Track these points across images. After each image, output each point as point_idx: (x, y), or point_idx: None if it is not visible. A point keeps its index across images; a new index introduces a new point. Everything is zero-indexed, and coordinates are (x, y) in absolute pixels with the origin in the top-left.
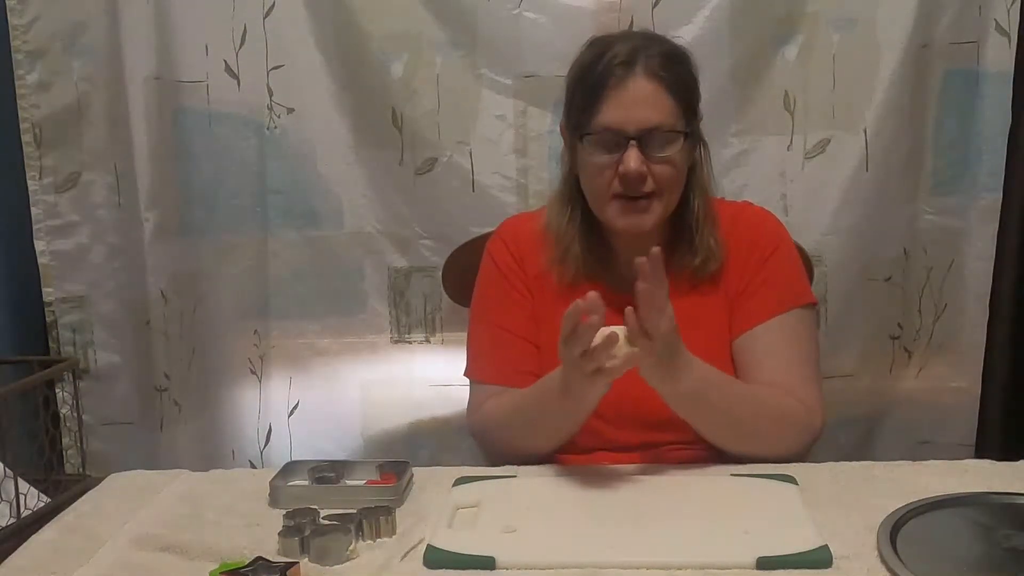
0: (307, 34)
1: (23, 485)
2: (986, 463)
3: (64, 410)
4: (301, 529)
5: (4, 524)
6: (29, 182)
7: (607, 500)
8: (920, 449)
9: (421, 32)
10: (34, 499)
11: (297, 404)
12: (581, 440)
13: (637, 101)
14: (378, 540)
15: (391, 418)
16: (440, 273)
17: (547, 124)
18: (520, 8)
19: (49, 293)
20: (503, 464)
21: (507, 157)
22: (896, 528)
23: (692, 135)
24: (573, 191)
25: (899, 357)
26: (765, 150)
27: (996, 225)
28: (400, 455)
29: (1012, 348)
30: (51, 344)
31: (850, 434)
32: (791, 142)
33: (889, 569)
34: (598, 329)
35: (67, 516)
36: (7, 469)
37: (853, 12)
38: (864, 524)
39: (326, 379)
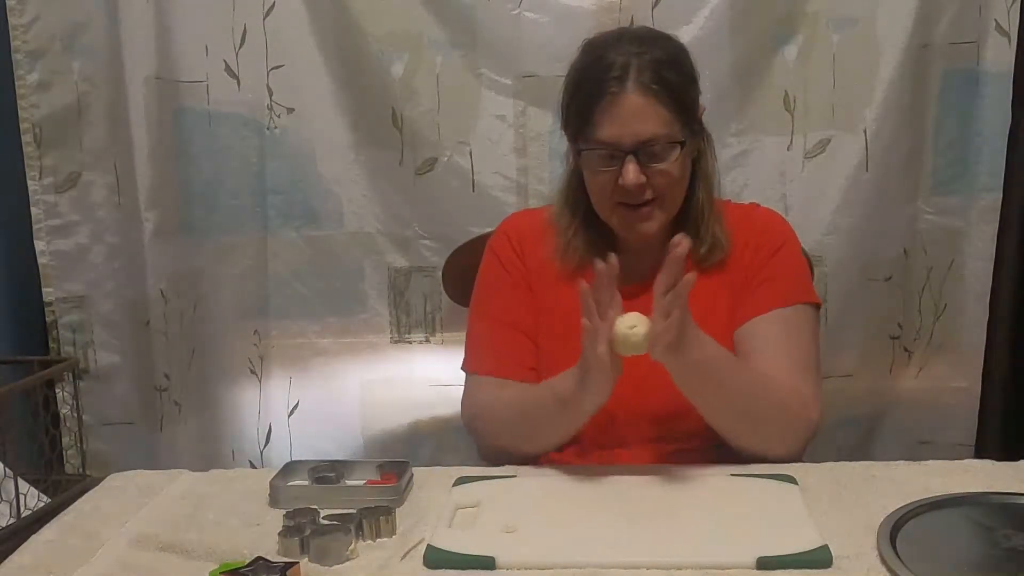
0: (307, 34)
1: (23, 485)
2: (986, 463)
3: (64, 410)
4: (301, 529)
5: (4, 524)
6: (29, 182)
7: (607, 500)
8: (920, 449)
9: (421, 32)
10: (34, 499)
11: (297, 404)
12: (588, 436)
13: (631, 116)
14: (378, 540)
15: (391, 418)
16: (440, 273)
17: (547, 124)
18: (520, 8)
19: (49, 293)
20: (494, 456)
21: (507, 157)
22: (896, 528)
23: (692, 135)
24: (576, 188)
25: (899, 357)
26: (765, 150)
27: (996, 225)
28: (400, 455)
29: (1012, 348)
30: (51, 344)
31: (850, 434)
32: (791, 142)
33: (889, 569)
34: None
35: (67, 516)
36: (7, 469)
37: (853, 12)
38: (864, 524)
39: (326, 379)
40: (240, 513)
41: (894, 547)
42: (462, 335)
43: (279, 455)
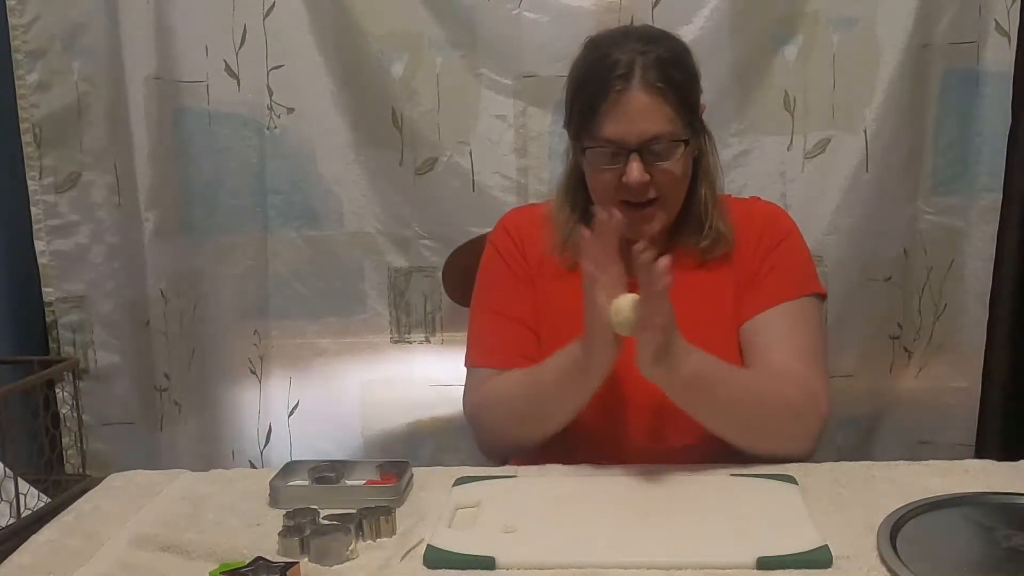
0: (307, 34)
1: (23, 485)
2: (986, 463)
3: (64, 410)
4: (301, 529)
5: (4, 524)
6: (29, 182)
7: (607, 500)
8: (920, 449)
9: (421, 32)
10: (34, 499)
11: (297, 404)
12: (590, 433)
13: (636, 114)
14: (378, 540)
15: (391, 418)
16: (440, 273)
17: (547, 124)
18: (520, 8)
19: (49, 293)
20: (496, 448)
21: (507, 157)
22: (896, 528)
23: (695, 134)
24: (575, 184)
25: (899, 357)
26: (765, 150)
27: (996, 225)
28: (400, 455)
29: (1012, 348)
30: (51, 344)
31: (850, 434)
32: (791, 142)
33: (889, 569)
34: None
35: (67, 516)
36: (7, 469)
37: (853, 12)
38: (864, 524)
39: (326, 379)
40: (240, 513)
41: (894, 547)
42: (462, 335)
43: (279, 455)
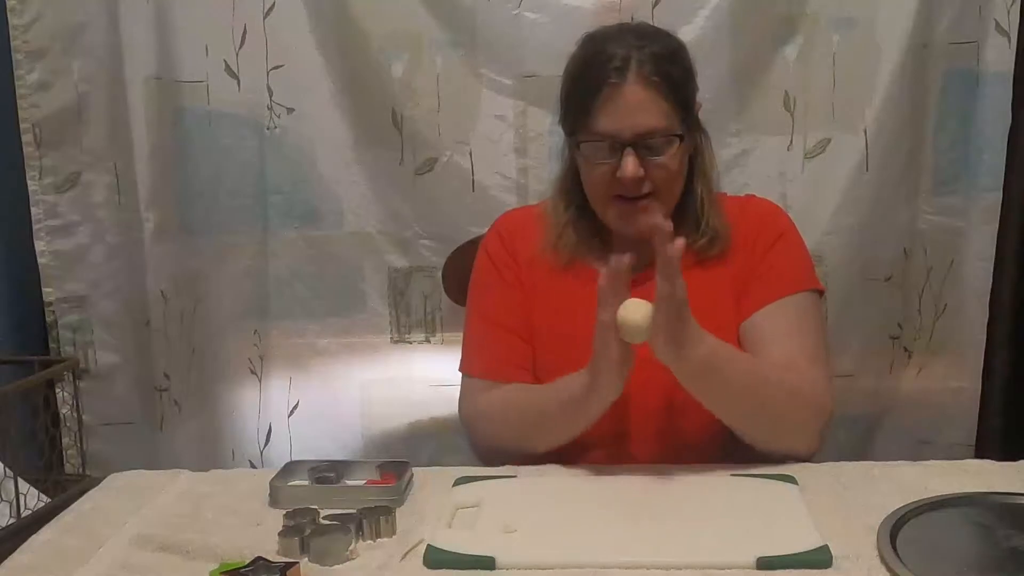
0: (307, 34)
1: (23, 485)
2: (986, 463)
3: (64, 410)
4: (301, 529)
5: (4, 524)
6: (29, 182)
7: (607, 500)
8: (920, 449)
9: (421, 32)
10: (34, 499)
11: (297, 404)
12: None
13: (632, 108)
14: (378, 540)
15: (391, 418)
16: (440, 273)
17: (547, 124)
18: (520, 8)
19: (49, 293)
20: (491, 457)
21: (507, 157)
22: (896, 528)
23: (690, 130)
24: (571, 181)
25: (899, 357)
26: (765, 150)
27: (996, 225)
28: (400, 455)
29: (1012, 348)
30: (51, 344)
31: (850, 434)
32: (791, 142)
33: (889, 569)
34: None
35: (67, 516)
36: (7, 469)
37: (853, 12)
38: (864, 524)
39: (326, 379)
40: (240, 513)
41: (894, 547)
42: (462, 335)
43: (279, 455)
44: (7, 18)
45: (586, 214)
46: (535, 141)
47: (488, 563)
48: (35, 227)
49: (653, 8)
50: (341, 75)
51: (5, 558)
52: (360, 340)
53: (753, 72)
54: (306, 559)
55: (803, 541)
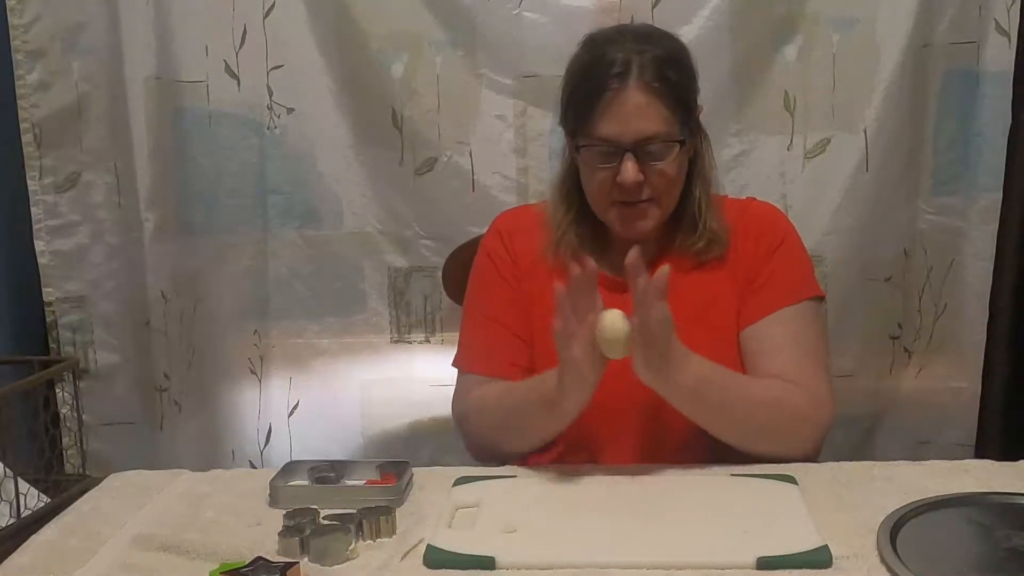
0: (307, 34)
1: (23, 485)
2: (986, 463)
3: (64, 410)
4: (301, 529)
5: (4, 524)
6: (29, 182)
7: (607, 500)
8: (920, 449)
9: (421, 32)
10: (34, 499)
11: (297, 404)
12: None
13: (632, 113)
14: (378, 540)
15: (391, 418)
16: (440, 273)
17: (547, 124)
18: (520, 8)
19: (49, 293)
20: (481, 453)
21: (507, 157)
22: (896, 528)
23: (691, 134)
24: (571, 183)
25: (899, 357)
26: (765, 150)
27: (996, 225)
28: (400, 455)
29: (1012, 348)
30: (51, 344)
31: (850, 434)
32: (791, 142)
33: (889, 569)
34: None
35: (67, 516)
36: (7, 469)
37: (853, 12)
38: (864, 524)
39: (326, 379)
40: (240, 513)
41: (894, 547)
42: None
43: (279, 455)
44: (7, 18)
45: (587, 217)
46: (535, 141)
47: (488, 563)
48: (35, 227)
49: (653, 8)
50: (341, 75)
51: (5, 558)
52: (360, 340)
53: (753, 72)
54: (306, 559)
55: (803, 541)
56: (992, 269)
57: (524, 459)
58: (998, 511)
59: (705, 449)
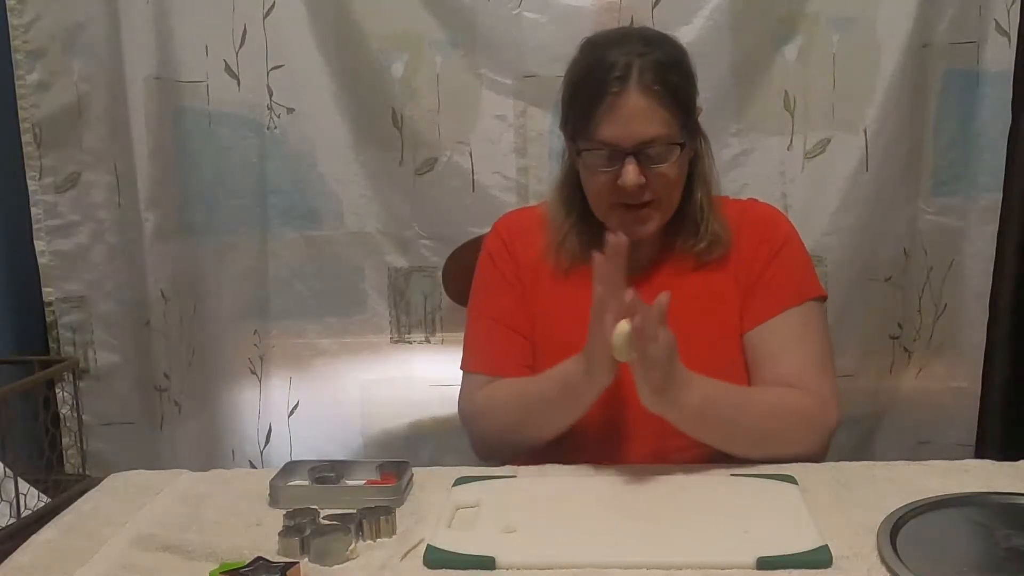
0: (307, 34)
1: (23, 485)
2: (986, 463)
3: (64, 410)
4: (301, 529)
5: (4, 524)
6: (29, 182)
7: (607, 500)
8: (920, 449)
9: (421, 32)
10: (34, 499)
11: (297, 404)
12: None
13: (633, 116)
14: (378, 540)
15: (391, 418)
16: (440, 273)
17: (547, 124)
18: (520, 8)
19: (49, 293)
20: (492, 453)
21: (507, 157)
22: (896, 528)
23: (691, 137)
24: (571, 186)
25: (899, 357)
26: (765, 150)
27: (996, 225)
28: (400, 455)
29: (1012, 348)
30: (51, 344)
31: (850, 434)
32: (791, 142)
33: (889, 569)
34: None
35: (67, 516)
36: (7, 469)
37: (853, 12)
38: (864, 524)
39: (326, 379)
40: (240, 513)
41: (894, 547)
42: (462, 335)
43: (279, 455)
44: (7, 18)
45: (588, 219)
46: (535, 141)
47: (488, 563)
48: (35, 227)
49: (653, 8)
50: (341, 75)
51: (5, 558)
52: (360, 340)
53: (753, 72)
54: (306, 559)
55: (803, 541)
56: (992, 269)
57: (526, 459)
58: (998, 511)
59: (709, 450)
